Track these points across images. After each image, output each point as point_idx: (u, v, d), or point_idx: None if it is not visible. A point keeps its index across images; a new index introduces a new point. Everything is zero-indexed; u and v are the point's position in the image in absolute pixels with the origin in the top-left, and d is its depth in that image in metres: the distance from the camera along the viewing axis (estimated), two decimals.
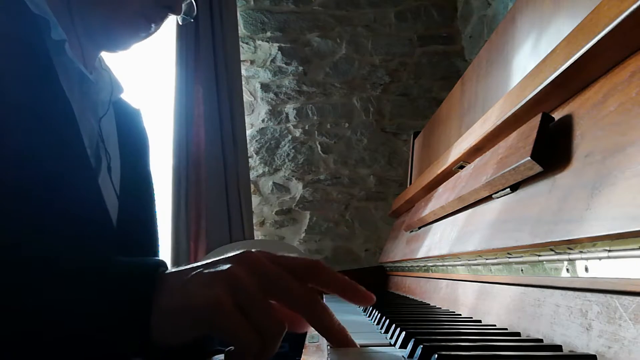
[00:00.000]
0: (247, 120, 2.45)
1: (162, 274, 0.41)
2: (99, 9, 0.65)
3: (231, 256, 0.42)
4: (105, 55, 0.76)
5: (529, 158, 0.53)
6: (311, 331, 0.83)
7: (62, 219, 0.51)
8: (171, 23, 2.33)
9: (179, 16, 0.73)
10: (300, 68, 2.59)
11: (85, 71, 0.64)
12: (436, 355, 0.42)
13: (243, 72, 2.48)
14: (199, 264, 0.42)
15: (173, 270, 0.42)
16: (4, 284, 0.38)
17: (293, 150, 2.53)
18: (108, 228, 0.61)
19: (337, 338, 0.44)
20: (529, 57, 0.78)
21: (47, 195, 0.51)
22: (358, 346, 0.45)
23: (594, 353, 0.41)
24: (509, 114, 0.65)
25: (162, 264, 0.42)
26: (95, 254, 0.43)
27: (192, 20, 0.76)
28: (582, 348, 0.43)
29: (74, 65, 0.62)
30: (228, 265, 0.40)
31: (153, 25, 0.70)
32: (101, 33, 0.67)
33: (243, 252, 0.42)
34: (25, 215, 0.48)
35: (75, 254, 0.42)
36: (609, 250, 0.40)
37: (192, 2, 0.74)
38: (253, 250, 0.43)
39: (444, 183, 1.03)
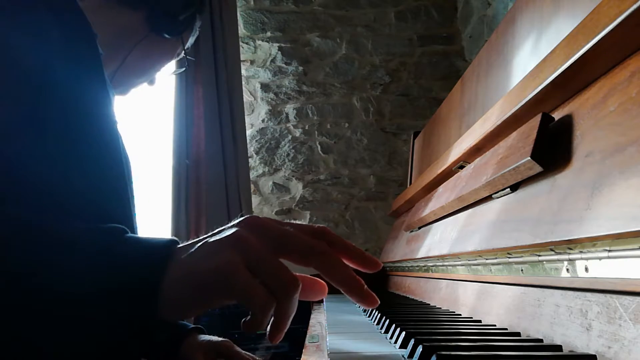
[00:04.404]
0: (247, 120, 2.45)
1: (173, 250, 0.41)
2: (136, 68, 0.83)
3: (236, 222, 0.41)
4: None
5: (529, 158, 0.53)
6: (311, 331, 0.83)
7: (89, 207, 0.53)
8: None
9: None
10: (300, 68, 2.59)
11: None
12: (436, 356, 0.42)
13: (243, 72, 2.48)
14: (205, 235, 0.42)
15: (182, 244, 0.42)
16: (18, 259, 0.37)
17: (293, 150, 2.53)
18: (130, 220, 0.63)
19: (354, 289, 0.41)
20: (529, 57, 0.78)
21: (75, 184, 0.53)
22: (377, 298, 0.42)
23: (594, 353, 0.41)
24: (509, 114, 0.65)
25: (174, 241, 0.42)
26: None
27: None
28: (582, 348, 0.43)
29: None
30: (234, 230, 0.40)
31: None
32: (123, 81, 0.83)
33: (248, 216, 0.42)
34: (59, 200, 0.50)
35: (88, 231, 0.42)
36: (609, 250, 0.40)
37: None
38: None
39: (444, 183, 1.03)
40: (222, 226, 0.43)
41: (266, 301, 0.37)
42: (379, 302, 0.43)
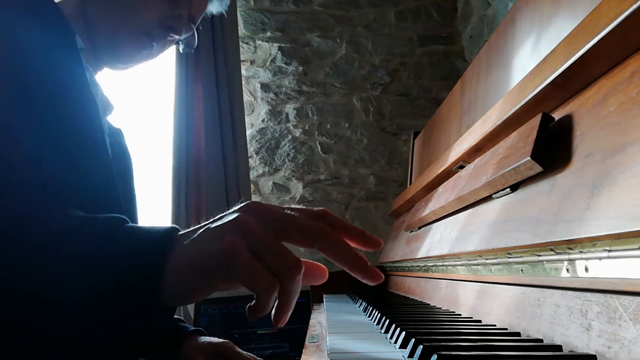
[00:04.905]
0: (247, 120, 2.45)
1: (174, 237, 0.41)
2: (107, 23, 0.72)
3: (237, 208, 0.42)
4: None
5: (529, 158, 0.53)
6: (311, 331, 0.83)
7: (79, 202, 0.53)
8: None
9: (181, 44, 0.79)
10: (300, 68, 2.59)
11: (96, 79, 0.68)
12: (436, 356, 0.42)
13: (243, 72, 2.48)
14: (206, 221, 0.42)
15: (182, 232, 0.42)
16: (21, 252, 0.38)
17: (293, 150, 2.53)
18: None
19: (358, 266, 0.41)
20: (529, 57, 0.78)
21: (67, 181, 0.53)
22: (381, 274, 0.42)
23: (594, 353, 0.41)
24: (509, 114, 0.65)
25: (175, 228, 0.42)
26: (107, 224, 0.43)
27: (193, 51, 0.82)
28: (582, 348, 0.43)
29: (88, 73, 0.66)
30: (236, 215, 0.40)
31: (154, 44, 0.75)
32: (106, 47, 0.73)
33: (249, 202, 0.42)
34: (48, 189, 0.51)
35: (88, 220, 0.42)
36: (609, 250, 0.40)
37: (194, 33, 0.79)
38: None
39: (444, 183, 1.03)
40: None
41: (270, 283, 0.38)
42: (383, 277, 0.43)
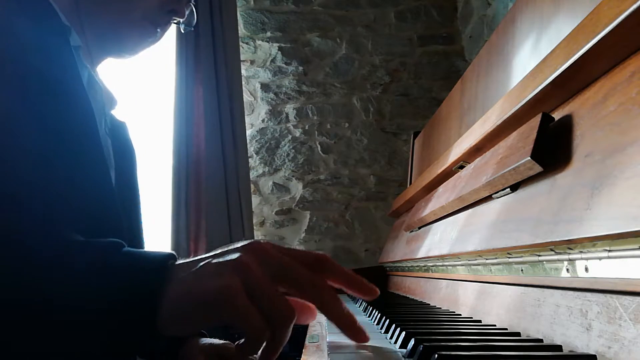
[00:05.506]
0: (247, 120, 2.45)
1: (171, 266, 0.41)
2: (107, 14, 0.70)
3: (240, 246, 0.42)
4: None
5: (529, 158, 0.53)
6: (311, 331, 0.83)
7: (76, 215, 0.52)
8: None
9: (182, 24, 0.77)
10: (300, 68, 2.59)
11: (96, 77, 0.66)
12: (436, 355, 0.42)
13: (243, 72, 2.48)
14: (207, 254, 0.42)
15: (181, 261, 0.42)
16: (14, 276, 0.38)
17: (293, 150, 2.53)
18: (119, 228, 0.62)
19: (346, 325, 0.44)
20: (529, 57, 0.78)
21: (62, 191, 0.52)
22: (367, 335, 0.45)
23: (594, 353, 0.41)
24: (509, 114, 0.65)
25: (172, 256, 0.43)
26: (105, 246, 0.43)
27: (193, 29, 0.80)
28: (582, 348, 0.43)
29: (85, 70, 0.65)
30: (237, 254, 0.40)
31: (159, 29, 0.74)
32: (110, 37, 0.72)
33: (252, 241, 0.43)
34: (41, 207, 0.49)
35: (85, 246, 0.42)
36: (609, 250, 0.40)
37: (193, 10, 0.78)
38: (261, 240, 0.43)
39: (444, 183, 1.03)
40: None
41: (261, 328, 0.38)
42: (368, 338, 0.45)
